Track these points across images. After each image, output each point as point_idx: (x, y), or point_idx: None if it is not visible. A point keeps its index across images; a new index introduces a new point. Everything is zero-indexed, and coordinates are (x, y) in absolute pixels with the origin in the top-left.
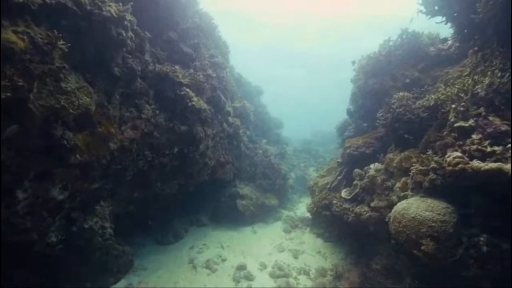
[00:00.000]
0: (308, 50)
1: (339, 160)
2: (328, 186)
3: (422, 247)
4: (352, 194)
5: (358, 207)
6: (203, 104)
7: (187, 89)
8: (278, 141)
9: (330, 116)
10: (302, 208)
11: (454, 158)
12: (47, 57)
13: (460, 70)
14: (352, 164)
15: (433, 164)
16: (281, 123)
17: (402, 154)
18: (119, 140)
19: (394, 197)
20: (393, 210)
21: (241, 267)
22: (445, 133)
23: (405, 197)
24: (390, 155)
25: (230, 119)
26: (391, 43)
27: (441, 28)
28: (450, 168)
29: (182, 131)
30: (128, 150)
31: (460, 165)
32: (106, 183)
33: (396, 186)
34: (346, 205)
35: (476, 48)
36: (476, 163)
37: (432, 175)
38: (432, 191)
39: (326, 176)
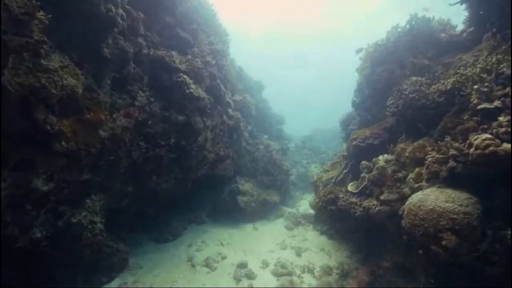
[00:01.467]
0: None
1: (344, 153)
2: (333, 180)
3: (443, 242)
4: (360, 188)
5: (366, 201)
6: (201, 93)
7: (185, 76)
8: (280, 137)
9: (329, 116)
10: (304, 205)
11: (484, 140)
12: (24, 29)
13: (475, 55)
14: (358, 156)
15: (452, 151)
16: (283, 119)
17: (415, 143)
18: (111, 128)
19: (407, 189)
20: (407, 203)
21: (242, 265)
22: (465, 117)
23: (419, 189)
24: (401, 145)
25: (230, 111)
26: (399, 29)
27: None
28: (478, 152)
29: (179, 121)
30: (121, 140)
31: (491, 148)
32: (96, 175)
33: (409, 177)
34: (354, 199)
35: (494, 30)
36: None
37: (451, 163)
38: (450, 181)
39: (331, 171)
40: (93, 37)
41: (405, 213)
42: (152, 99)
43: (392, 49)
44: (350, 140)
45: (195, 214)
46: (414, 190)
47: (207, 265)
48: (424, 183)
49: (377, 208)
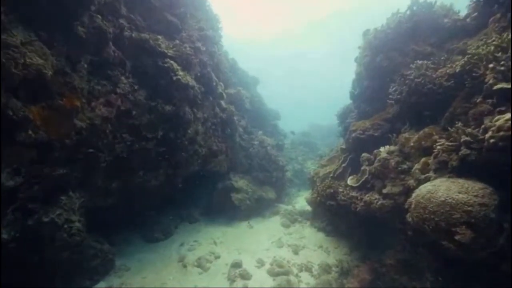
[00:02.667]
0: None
1: (343, 146)
2: (331, 175)
3: (456, 237)
4: (360, 181)
5: (367, 195)
6: (190, 81)
7: (172, 61)
8: (275, 132)
9: (328, 113)
10: (301, 201)
11: (507, 120)
12: None
13: (482, 39)
14: (358, 149)
15: (465, 138)
16: (278, 114)
17: (421, 132)
18: (88, 118)
19: (412, 181)
20: (414, 195)
21: (236, 265)
22: (478, 100)
23: (427, 180)
24: (405, 135)
25: (223, 103)
26: (400, 15)
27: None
28: (500, 134)
29: (167, 112)
30: (101, 131)
31: None
32: (74, 170)
33: (414, 168)
34: (354, 193)
35: (503, 11)
36: None
37: (464, 151)
38: (460, 171)
39: (328, 166)
40: (66, 14)
41: (413, 206)
42: (136, 87)
43: (393, 36)
44: (349, 132)
45: (188, 212)
46: (420, 182)
47: (199, 265)
48: (431, 174)
49: (379, 202)
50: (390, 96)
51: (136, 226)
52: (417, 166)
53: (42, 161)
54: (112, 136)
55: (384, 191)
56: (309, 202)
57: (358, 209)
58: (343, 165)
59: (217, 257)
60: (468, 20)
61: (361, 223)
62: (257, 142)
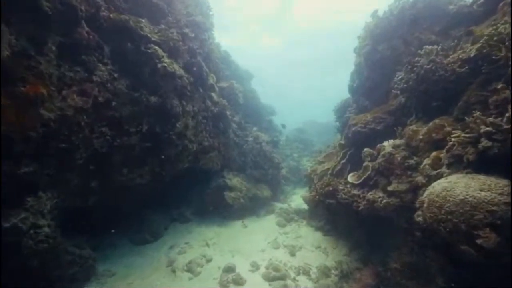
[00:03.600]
0: None
1: (342, 141)
2: (330, 172)
3: (478, 241)
4: (362, 178)
5: (370, 193)
6: (178, 69)
7: (156, 47)
8: (270, 128)
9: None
10: (297, 200)
11: None
12: None
13: (492, 25)
14: (358, 144)
15: (486, 128)
16: (273, 110)
17: (431, 123)
18: (59, 108)
19: (421, 178)
20: (427, 193)
21: (229, 269)
22: (500, 86)
23: (439, 177)
24: (412, 127)
25: (214, 96)
26: (402, 1)
27: None
28: None
29: (152, 104)
30: (75, 123)
31: None
32: (45, 167)
33: (424, 163)
34: (355, 191)
35: None
36: None
37: (485, 142)
38: (478, 166)
39: (326, 162)
40: None
41: (425, 205)
42: (116, 75)
43: (396, 23)
44: (348, 126)
45: (179, 212)
46: (431, 178)
47: (189, 270)
48: (444, 169)
49: (384, 201)
50: (396, 86)
51: (123, 228)
52: (427, 161)
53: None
54: (89, 130)
55: (389, 188)
56: (306, 200)
57: (360, 208)
58: (342, 161)
59: (209, 260)
60: (474, 6)
61: (362, 223)
62: (251, 138)
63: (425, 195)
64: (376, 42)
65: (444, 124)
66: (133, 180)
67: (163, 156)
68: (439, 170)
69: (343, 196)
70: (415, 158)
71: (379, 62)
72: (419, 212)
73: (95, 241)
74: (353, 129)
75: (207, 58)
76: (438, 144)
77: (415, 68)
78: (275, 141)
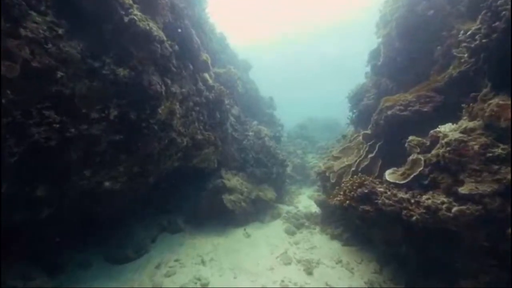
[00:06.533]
0: None
1: (368, 131)
2: (353, 168)
3: None
4: (412, 176)
5: (426, 196)
6: (157, 30)
7: None
8: (271, 122)
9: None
10: (304, 201)
11: None
12: None
13: None
14: (393, 132)
15: None
16: (273, 103)
17: None
18: None
19: None
20: None
21: None
22: None
23: None
24: (494, 101)
25: (208, 78)
26: None
27: None
28: None
29: (121, 79)
30: None
31: None
32: None
33: None
34: (403, 194)
35: None
36: None
37: None
38: None
39: (344, 158)
40: None
41: None
42: (61, 31)
43: None
44: (379, 110)
45: (169, 219)
46: None
47: None
48: None
49: (455, 209)
50: (464, 45)
51: (101, 242)
52: None
53: None
54: (21, 112)
55: (462, 190)
56: (319, 203)
57: (414, 218)
58: (371, 155)
59: (205, 285)
60: None
61: (412, 237)
62: (252, 133)
63: None
64: (413, 3)
65: None
66: (101, 184)
67: (138, 154)
68: None
69: (386, 201)
70: (501, 146)
71: (417, 28)
72: None
73: (61, 261)
74: (389, 113)
75: (196, 24)
76: None
77: (504, 12)
78: (277, 136)
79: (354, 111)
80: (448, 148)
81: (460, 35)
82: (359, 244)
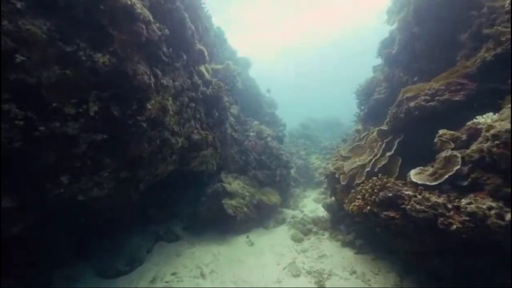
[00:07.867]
0: None
1: (383, 127)
2: (368, 169)
3: None
4: (446, 176)
5: (466, 200)
6: (141, 8)
7: None
8: (272, 122)
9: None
10: (309, 204)
11: None
12: None
13: None
14: (416, 127)
15: None
16: (275, 103)
17: None
18: None
19: None
20: None
21: None
22: None
23: None
24: None
25: (204, 71)
26: None
27: None
28: None
29: (100, 67)
30: None
31: None
32: None
33: None
34: (436, 198)
35: None
36: None
37: None
38: None
39: (354, 157)
40: None
41: None
42: (21, 5)
43: None
44: (398, 103)
45: (166, 227)
46: None
47: None
48: None
49: (509, 216)
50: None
51: (89, 255)
52: None
53: None
54: None
55: None
56: (327, 207)
57: (454, 227)
58: (388, 153)
59: None
60: None
61: (445, 249)
62: (253, 133)
63: None
64: None
65: None
66: (85, 192)
67: (125, 157)
68: None
69: (417, 206)
70: None
71: (441, 9)
72: None
73: (47, 274)
74: (411, 104)
75: (193, 13)
76: None
77: None
78: (280, 136)
79: (362, 107)
80: (496, 142)
81: (506, 4)
82: (374, 252)
